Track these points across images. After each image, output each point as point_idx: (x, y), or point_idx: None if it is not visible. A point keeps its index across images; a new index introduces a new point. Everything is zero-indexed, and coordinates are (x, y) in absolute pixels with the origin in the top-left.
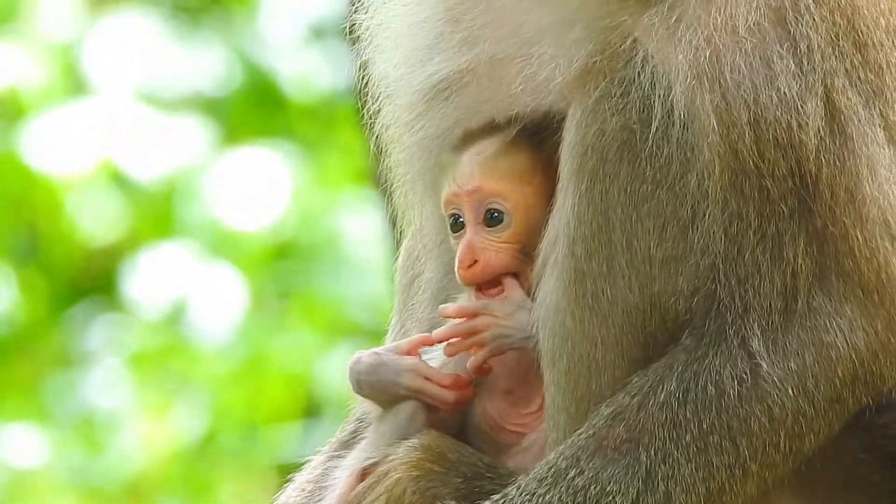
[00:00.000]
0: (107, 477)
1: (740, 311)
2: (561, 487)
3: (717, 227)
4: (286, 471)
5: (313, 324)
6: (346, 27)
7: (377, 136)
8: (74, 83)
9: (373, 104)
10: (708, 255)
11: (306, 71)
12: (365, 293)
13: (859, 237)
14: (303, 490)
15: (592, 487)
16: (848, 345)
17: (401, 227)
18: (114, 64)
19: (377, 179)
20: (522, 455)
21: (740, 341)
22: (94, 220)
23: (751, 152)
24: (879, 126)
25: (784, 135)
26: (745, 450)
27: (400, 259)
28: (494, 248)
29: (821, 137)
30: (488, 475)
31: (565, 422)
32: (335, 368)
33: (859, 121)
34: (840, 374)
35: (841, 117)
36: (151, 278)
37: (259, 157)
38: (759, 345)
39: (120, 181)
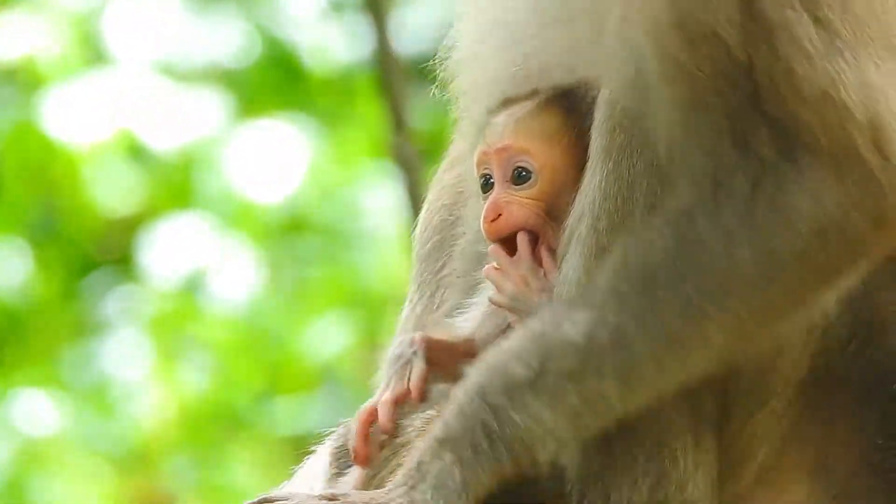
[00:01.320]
0: (121, 445)
1: (712, 201)
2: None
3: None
4: (299, 440)
5: (329, 295)
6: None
7: (450, 103)
8: (92, 54)
9: (447, 69)
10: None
11: (325, 43)
12: (381, 265)
13: (809, 113)
14: (323, 460)
15: (551, 331)
16: (815, 204)
17: (419, 198)
18: (132, 34)
19: (395, 152)
20: None
21: (713, 225)
22: (112, 190)
23: (688, 57)
24: (801, 7)
25: (709, 32)
26: (704, 297)
27: (418, 230)
28: (518, 203)
29: (741, 27)
30: None
31: None
32: (350, 340)
33: (780, 5)
34: (803, 230)
35: (760, 4)
36: (168, 249)
37: (277, 129)
38: (730, 222)
39: (137, 152)
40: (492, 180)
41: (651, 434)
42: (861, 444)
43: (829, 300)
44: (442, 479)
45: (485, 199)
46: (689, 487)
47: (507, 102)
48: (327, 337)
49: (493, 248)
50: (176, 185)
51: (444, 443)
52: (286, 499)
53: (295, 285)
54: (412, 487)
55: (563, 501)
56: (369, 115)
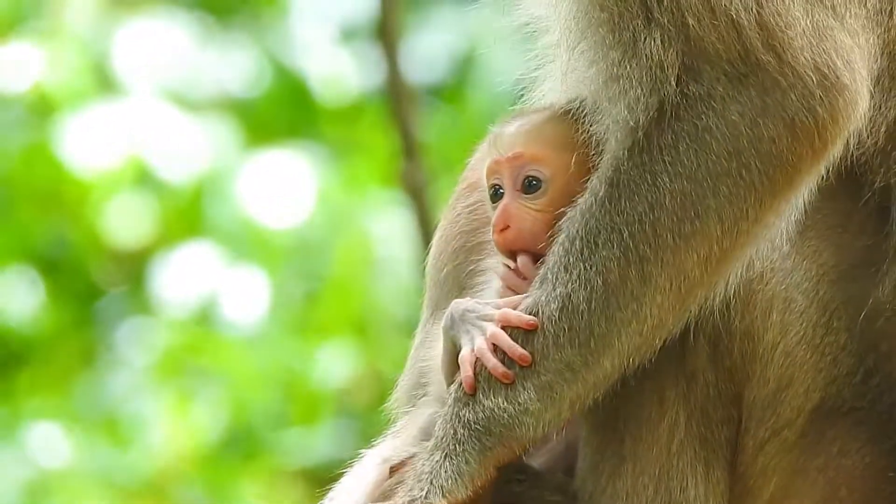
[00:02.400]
0: (132, 476)
1: (634, 140)
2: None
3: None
4: (310, 470)
5: (340, 322)
6: (375, 28)
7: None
8: (103, 82)
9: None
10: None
11: (335, 72)
12: (391, 293)
13: (707, 21)
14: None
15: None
16: (723, 121)
17: (430, 225)
18: (142, 63)
19: (405, 179)
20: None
21: (636, 163)
22: (123, 219)
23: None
24: None
25: None
26: (639, 240)
27: (431, 255)
28: (530, 217)
29: None
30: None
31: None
32: (361, 367)
33: None
34: (718, 152)
35: None
36: (179, 278)
37: (287, 157)
38: (652, 157)
39: (148, 181)
40: (501, 190)
41: (660, 462)
42: (873, 477)
43: (773, 226)
44: (434, 475)
45: (494, 208)
46: None
47: (518, 115)
48: (338, 364)
49: (504, 275)
50: (186, 214)
51: (434, 446)
52: None
53: (306, 312)
54: (411, 490)
55: None
56: (378, 142)
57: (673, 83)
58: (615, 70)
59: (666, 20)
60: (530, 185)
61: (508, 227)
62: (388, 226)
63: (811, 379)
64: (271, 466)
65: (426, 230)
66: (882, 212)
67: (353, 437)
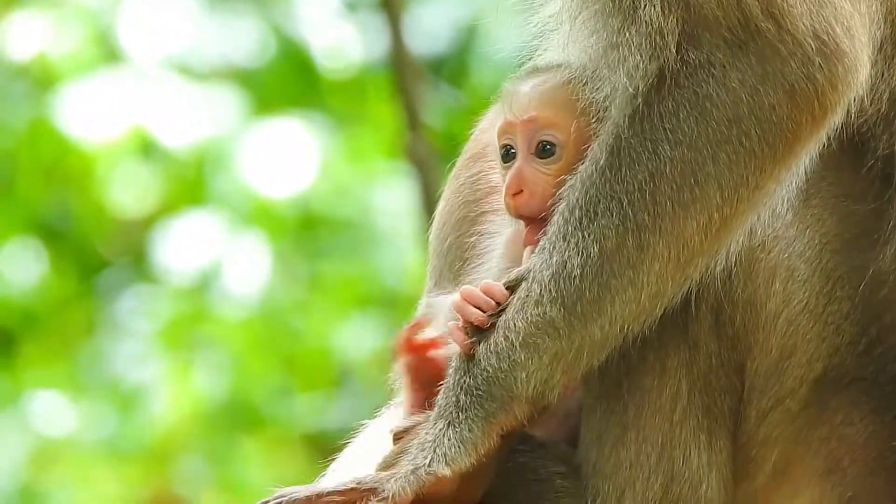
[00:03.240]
0: (136, 444)
1: (633, 106)
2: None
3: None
4: (314, 437)
5: (341, 293)
6: None
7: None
8: (107, 51)
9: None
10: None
11: (339, 43)
12: (394, 264)
13: None
14: (353, 458)
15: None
16: (723, 88)
17: (434, 196)
18: (146, 32)
19: (409, 151)
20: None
21: (636, 129)
22: (126, 188)
23: None
24: None
25: None
26: (639, 208)
27: (435, 225)
28: (544, 182)
29: None
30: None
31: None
32: (363, 338)
33: None
34: (718, 118)
35: None
36: (182, 247)
37: (290, 128)
38: (652, 123)
39: (151, 150)
40: (513, 150)
41: (663, 431)
42: (876, 447)
43: (774, 194)
44: (438, 443)
45: (505, 169)
46: (703, 486)
47: (533, 72)
48: (341, 334)
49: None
50: (190, 183)
51: (437, 415)
52: (303, 493)
53: (309, 282)
54: (414, 458)
55: (578, 499)
56: (383, 113)
57: (673, 50)
58: (615, 38)
59: None
60: (544, 150)
61: (522, 191)
62: (391, 196)
63: (814, 348)
64: (274, 434)
65: (430, 201)
66: (885, 179)
67: (355, 404)
